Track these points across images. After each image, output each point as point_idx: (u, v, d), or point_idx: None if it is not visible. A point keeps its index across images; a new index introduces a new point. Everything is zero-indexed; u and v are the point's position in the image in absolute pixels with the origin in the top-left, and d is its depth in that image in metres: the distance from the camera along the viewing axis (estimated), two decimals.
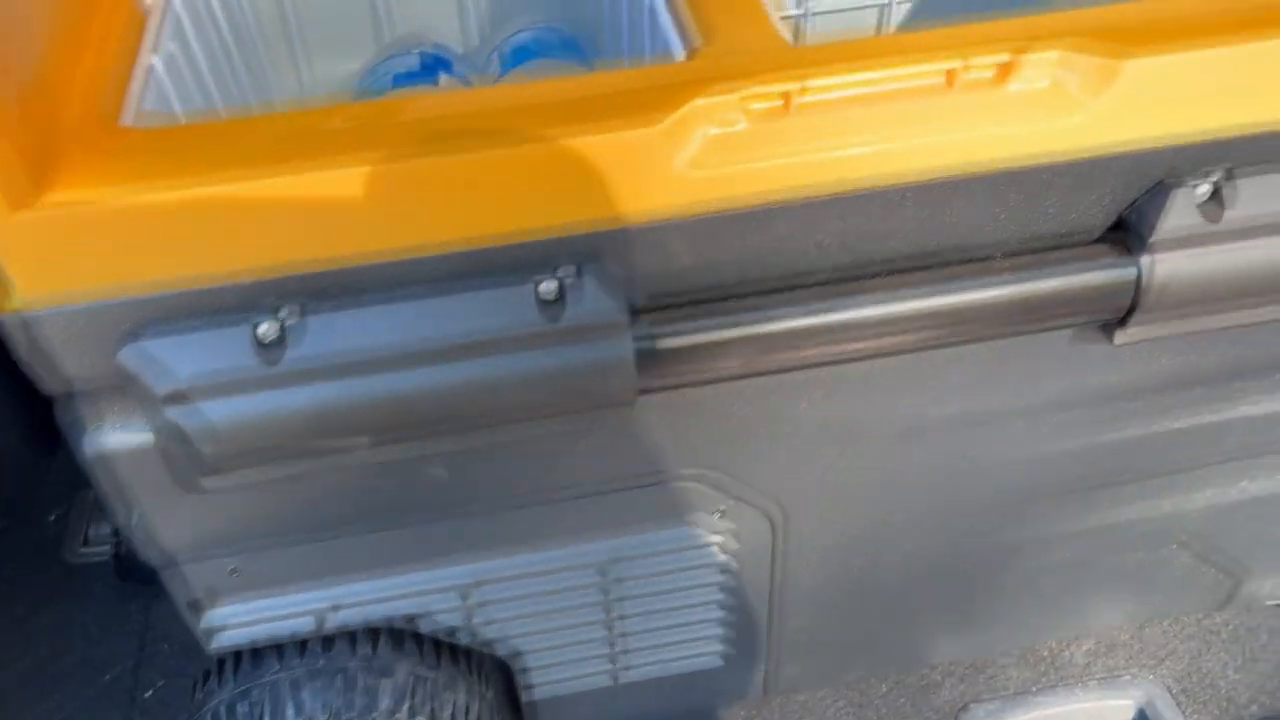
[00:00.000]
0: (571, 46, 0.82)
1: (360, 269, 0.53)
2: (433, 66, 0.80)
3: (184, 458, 0.54)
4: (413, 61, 0.80)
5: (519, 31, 0.84)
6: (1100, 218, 0.58)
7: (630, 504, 0.67)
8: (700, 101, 0.53)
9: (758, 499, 0.69)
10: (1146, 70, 0.53)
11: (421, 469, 0.60)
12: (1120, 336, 0.61)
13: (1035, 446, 0.70)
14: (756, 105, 0.53)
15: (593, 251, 0.54)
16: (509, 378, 0.54)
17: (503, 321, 0.53)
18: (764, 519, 0.71)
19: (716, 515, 0.70)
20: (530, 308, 0.53)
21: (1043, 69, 0.53)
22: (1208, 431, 0.71)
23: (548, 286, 0.54)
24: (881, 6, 1.08)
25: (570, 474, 0.63)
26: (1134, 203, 0.58)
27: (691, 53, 0.58)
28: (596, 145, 0.52)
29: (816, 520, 0.72)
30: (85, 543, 1.07)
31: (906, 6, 1.09)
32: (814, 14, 1.07)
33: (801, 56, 0.57)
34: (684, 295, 0.57)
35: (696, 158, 0.53)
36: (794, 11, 1.07)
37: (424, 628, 0.72)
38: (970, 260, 0.58)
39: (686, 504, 0.68)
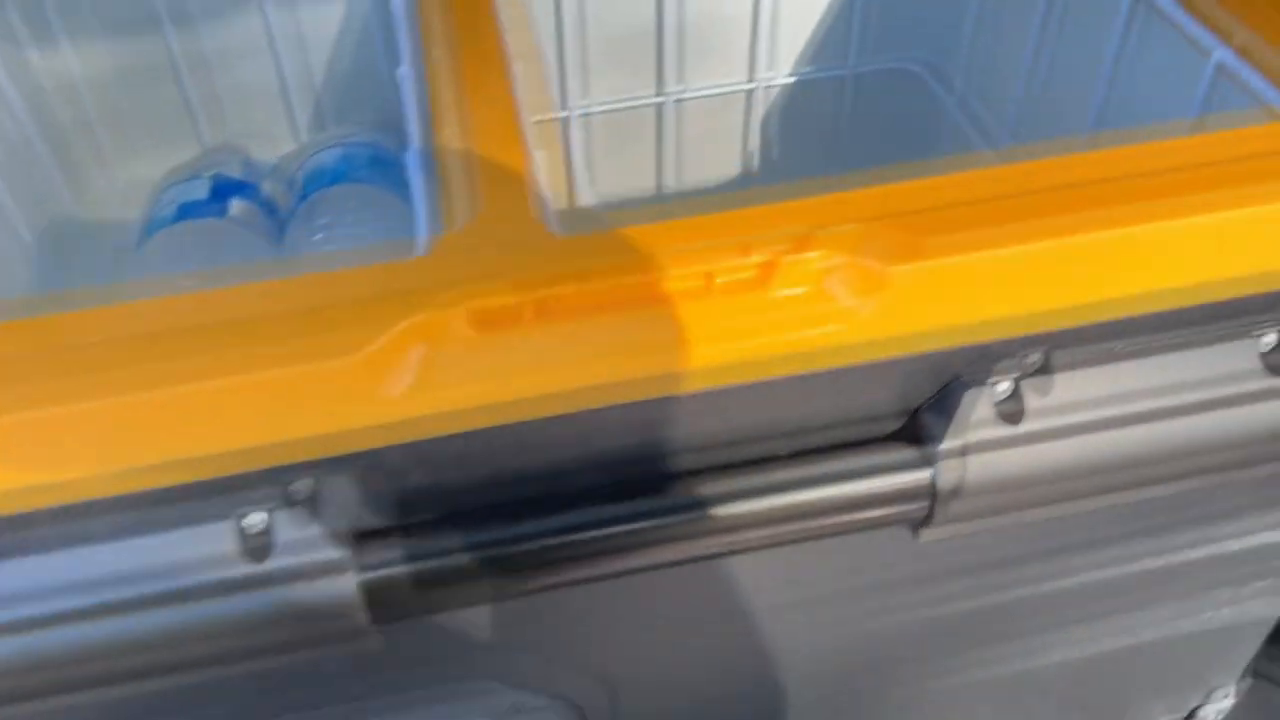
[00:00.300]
0: (384, 164, 0.76)
1: (37, 512, 0.46)
2: (224, 192, 0.73)
3: None
4: (201, 189, 0.74)
5: (328, 147, 0.78)
6: (893, 416, 0.53)
7: (408, 708, 0.61)
8: (420, 317, 0.46)
9: (558, 690, 0.63)
10: (915, 275, 0.47)
11: (149, 703, 0.54)
12: (926, 535, 0.55)
13: (860, 625, 0.65)
14: (490, 316, 0.47)
15: (304, 480, 0.48)
16: (217, 624, 0.48)
17: (202, 562, 0.47)
18: (571, 707, 0.65)
19: (512, 711, 0.64)
20: (233, 546, 0.47)
21: (804, 273, 0.48)
22: (1040, 602, 0.65)
23: (252, 520, 0.48)
24: (749, 91, 1.03)
25: (320, 694, 0.57)
26: (928, 400, 0.52)
27: (434, 239, 0.52)
28: (298, 373, 0.46)
29: (630, 702, 0.66)
30: None
31: (776, 89, 1.03)
32: (678, 100, 1.01)
33: (554, 250, 0.51)
34: (430, 515, 0.51)
35: (416, 379, 0.46)
36: (655, 99, 1.01)
37: None
38: (751, 462, 0.53)
39: (474, 702, 0.62)
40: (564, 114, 0.99)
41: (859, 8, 0.98)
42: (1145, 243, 0.49)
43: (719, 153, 1.07)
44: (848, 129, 1.05)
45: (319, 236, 0.72)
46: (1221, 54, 0.62)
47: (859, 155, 1.09)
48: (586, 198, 0.92)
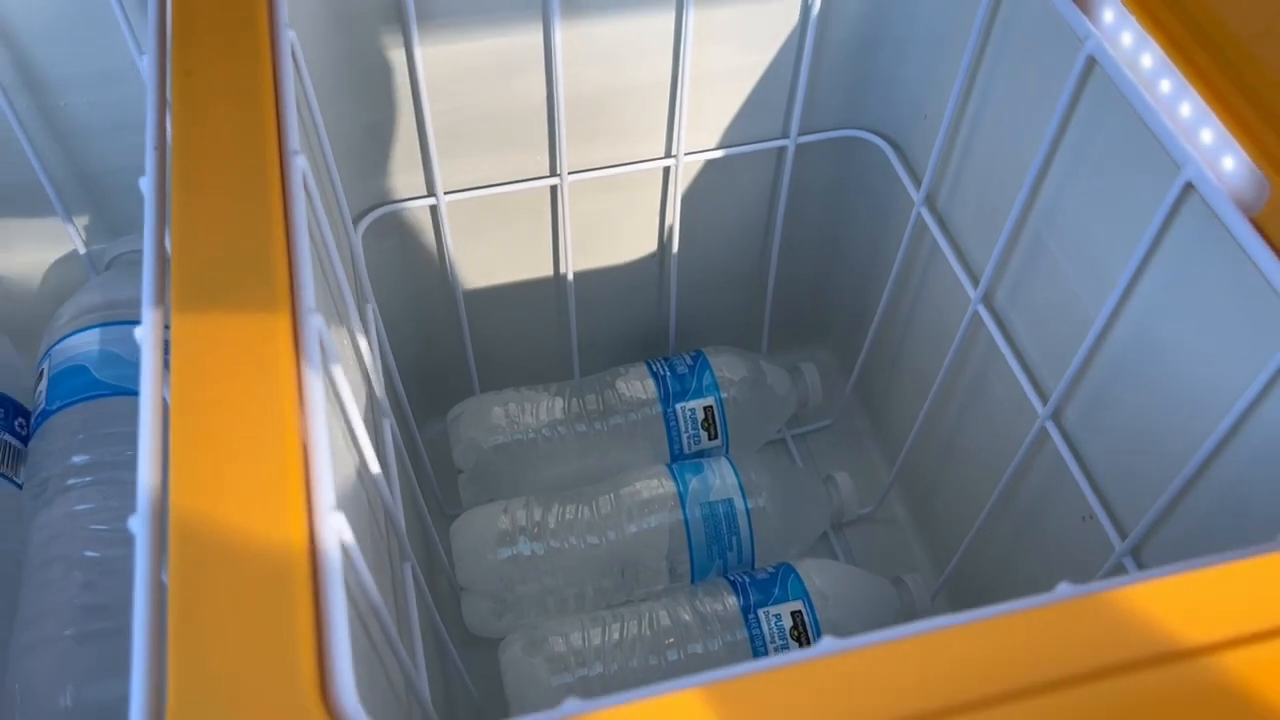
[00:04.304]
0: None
1: None
2: None
3: None
4: None
5: (78, 330, 0.56)
6: None
7: None
8: None
9: None
10: None
11: None
12: None
13: None
14: None
15: None
16: None
17: None
18: None
19: None
20: None
21: None
22: None
23: None
24: (666, 167, 0.82)
25: None
26: None
27: None
28: None
29: None
30: None
31: (700, 162, 0.83)
32: (576, 178, 0.81)
33: None
34: None
35: None
36: (549, 180, 0.80)
37: None
38: None
39: None
40: (431, 201, 0.78)
41: (806, 70, 0.77)
42: None
43: (631, 230, 0.87)
44: (788, 201, 0.86)
45: (73, 484, 0.52)
46: None
47: (797, 228, 0.90)
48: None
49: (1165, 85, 0.52)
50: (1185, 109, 0.51)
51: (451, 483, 0.90)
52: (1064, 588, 0.36)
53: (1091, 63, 0.56)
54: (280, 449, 0.40)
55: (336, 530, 0.38)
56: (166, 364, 0.43)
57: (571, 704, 0.34)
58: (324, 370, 0.43)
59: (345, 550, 0.38)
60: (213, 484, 0.39)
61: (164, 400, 0.41)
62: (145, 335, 0.43)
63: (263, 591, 0.37)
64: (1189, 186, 0.50)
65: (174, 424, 0.40)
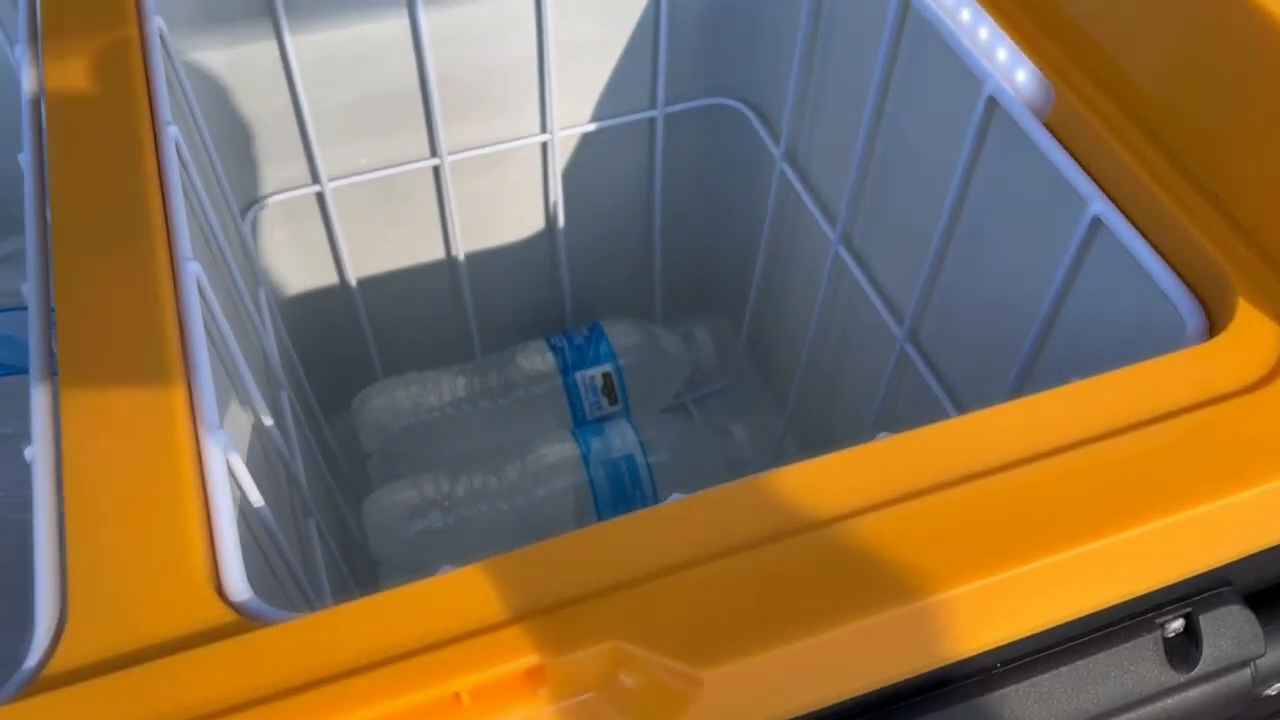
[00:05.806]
0: None
1: None
2: None
3: None
4: None
5: None
6: None
7: None
8: None
9: None
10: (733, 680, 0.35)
11: None
12: None
13: None
14: None
15: None
16: None
17: None
18: None
19: None
20: None
21: (586, 678, 0.34)
22: None
23: None
24: (544, 143, 0.86)
25: None
26: None
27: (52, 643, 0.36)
28: None
29: None
30: None
31: (576, 137, 0.87)
32: (458, 160, 0.84)
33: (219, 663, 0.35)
34: None
35: None
36: (430, 161, 0.84)
37: None
38: None
39: None
40: (316, 188, 0.81)
41: (664, 43, 0.82)
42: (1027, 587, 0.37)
43: (517, 208, 0.91)
44: (663, 170, 0.91)
45: None
46: (1101, 206, 0.50)
47: (676, 196, 0.95)
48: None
49: (965, 14, 0.57)
50: (983, 32, 0.56)
51: (364, 471, 0.92)
52: (882, 435, 0.41)
53: (907, 4, 0.62)
54: (164, 381, 0.42)
55: (222, 446, 0.41)
56: (54, 323, 0.46)
57: (445, 567, 0.37)
58: (202, 310, 0.46)
59: (228, 459, 0.41)
60: (101, 417, 0.42)
61: (51, 350, 0.44)
62: (31, 293, 0.45)
63: (154, 505, 0.40)
64: (991, 100, 0.56)
65: (62, 365, 0.43)
